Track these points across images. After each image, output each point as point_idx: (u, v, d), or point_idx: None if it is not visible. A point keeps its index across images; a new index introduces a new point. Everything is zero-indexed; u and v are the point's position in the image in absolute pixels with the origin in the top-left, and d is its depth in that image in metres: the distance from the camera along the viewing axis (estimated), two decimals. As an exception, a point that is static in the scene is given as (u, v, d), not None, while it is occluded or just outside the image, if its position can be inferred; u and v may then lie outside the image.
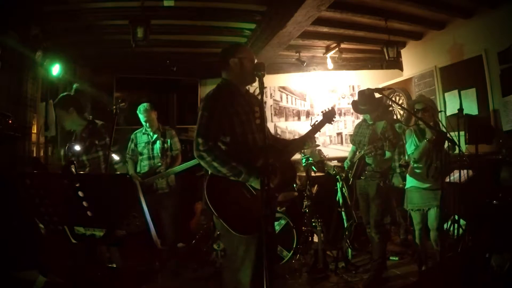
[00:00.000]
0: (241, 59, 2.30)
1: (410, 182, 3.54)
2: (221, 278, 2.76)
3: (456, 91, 4.75)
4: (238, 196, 2.14)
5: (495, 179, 3.69)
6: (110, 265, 2.93)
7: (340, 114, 6.57)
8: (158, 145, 4.07)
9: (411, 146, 3.50)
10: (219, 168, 2.09)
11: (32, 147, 4.30)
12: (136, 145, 4.15)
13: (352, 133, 4.06)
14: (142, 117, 4.07)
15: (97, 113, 5.58)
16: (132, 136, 4.21)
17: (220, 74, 2.42)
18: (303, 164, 4.36)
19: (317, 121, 2.62)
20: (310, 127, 2.58)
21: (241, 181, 2.11)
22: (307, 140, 2.47)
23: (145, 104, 4.09)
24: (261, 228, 1.87)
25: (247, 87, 2.44)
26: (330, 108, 2.73)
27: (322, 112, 2.71)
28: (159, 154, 4.04)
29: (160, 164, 3.98)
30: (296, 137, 6.21)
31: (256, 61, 2.35)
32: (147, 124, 4.07)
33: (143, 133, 4.15)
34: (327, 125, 2.72)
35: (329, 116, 2.67)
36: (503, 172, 3.65)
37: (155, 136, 4.10)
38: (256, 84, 2.20)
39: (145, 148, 4.08)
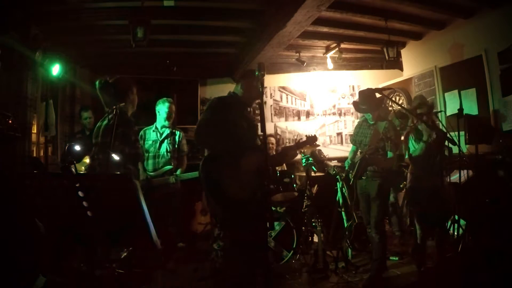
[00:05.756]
0: (251, 85, 2.66)
1: (413, 180, 3.56)
2: (223, 274, 2.84)
3: (456, 91, 4.75)
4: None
5: (496, 179, 3.70)
6: (109, 265, 2.92)
7: (340, 114, 6.58)
8: (165, 144, 4.06)
9: (411, 146, 3.56)
10: None
11: (32, 147, 4.30)
12: (144, 142, 4.11)
13: (352, 133, 4.06)
14: (164, 110, 4.03)
15: (98, 113, 5.60)
16: (142, 132, 4.16)
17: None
18: (303, 164, 4.35)
19: (301, 139, 2.97)
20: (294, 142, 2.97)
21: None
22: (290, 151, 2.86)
23: (168, 98, 4.11)
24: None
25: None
26: (314, 135, 3.12)
27: (306, 136, 3.07)
28: (165, 154, 4.02)
29: (170, 167, 3.98)
30: (295, 137, 6.26)
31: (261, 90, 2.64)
32: (167, 118, 4.03)
33: (153, 131, 4.12)
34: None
35: (312, 140, 3.01)
36: (499, 171, 3.69)
37: (165, 134, 4.08)
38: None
39: (152, 146, 4.06)
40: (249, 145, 2.60)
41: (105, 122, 2.82)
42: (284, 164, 5.32)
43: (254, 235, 2.36)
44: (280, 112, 6.50)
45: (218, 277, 2.68)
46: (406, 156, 3.69)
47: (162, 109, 4.05)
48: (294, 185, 4.37)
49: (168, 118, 4.05)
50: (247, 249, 2.41)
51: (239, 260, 2.46)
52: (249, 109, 2.90)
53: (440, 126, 3.43)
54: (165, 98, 4.10)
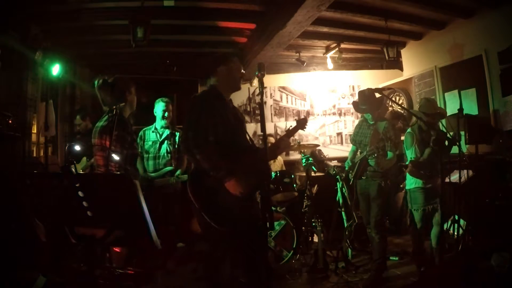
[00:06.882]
0: (229, 68, 2.51)
1: (414, 182, 3.53)
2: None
3: (456, 91, 4.75)
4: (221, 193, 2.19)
5: (496, 179, 3.69)
6: (109, 265, 2.93)
7: (340, 114, 6.58)
8: (165, 145, 4.06)
9: (412, 154, 3.51)
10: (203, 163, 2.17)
11: (32, 147, 4.31)
12: (144, 142, 4.11)
13: (352, 133, 4.06)
14: (160, 109, 4.04)
15: (97, 112, 5.60)
16: (141, 133, 4.15)
17: None
18: (303, 164, 4.36)
19: (291, 126, 2.80)
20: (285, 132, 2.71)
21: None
22: (281, 143, 2.60)
23: (165, 98, 4.12)
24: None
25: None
26: (303, 117, 2.98)
27: (295, 119, 2.88)
28: (165, 155, 4.03)
29: (171, 168, 3.99)
30: (296, 137, 6.26)
31: (243, 71, 2.57)
32: (162, 117, 4.03)
33: (152, 131, 4.12)
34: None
35: (301, 123, 2.80)
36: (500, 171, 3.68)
37: (165, 135, 4.08)
38: (256, 84, 2.25)
39: (152, 147, 4.06)
40: (242, 147, 2.47)
41: (101, 123, 2.79)
42: (284, 164, 5.32)
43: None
44: (280, 112, 6.50)
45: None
46: (407, 162, 3.64)
47: (158, 108, 4.08)
48: (294, 185, 4.37)
49: (163, 117, 4.05)
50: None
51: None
52: (249, 87, 2.81)
53: (440, 126, 3.42)
54: (161, 98, 4.11)
